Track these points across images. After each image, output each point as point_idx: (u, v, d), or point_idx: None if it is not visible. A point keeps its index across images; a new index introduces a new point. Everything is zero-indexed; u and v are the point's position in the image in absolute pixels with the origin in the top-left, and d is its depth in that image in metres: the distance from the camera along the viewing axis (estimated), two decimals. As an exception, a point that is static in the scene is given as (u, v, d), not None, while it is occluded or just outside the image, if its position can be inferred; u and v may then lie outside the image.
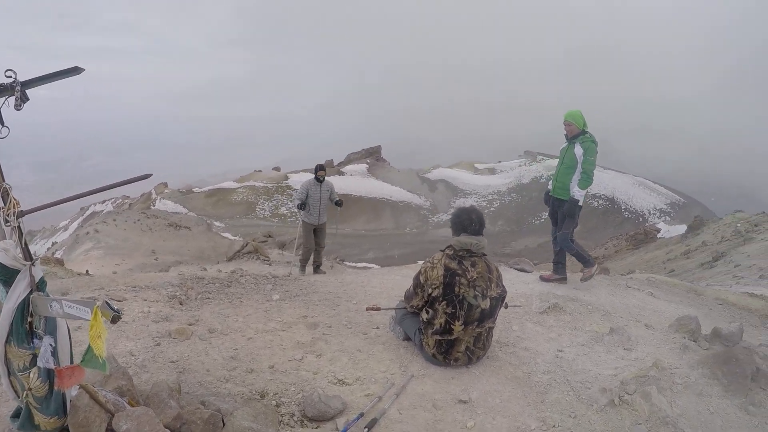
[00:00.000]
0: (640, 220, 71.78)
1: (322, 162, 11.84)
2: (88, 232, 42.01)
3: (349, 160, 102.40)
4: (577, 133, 8.05)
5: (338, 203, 11.73)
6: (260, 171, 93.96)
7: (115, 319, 2.65)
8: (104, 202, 75.91)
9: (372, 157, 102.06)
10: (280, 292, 7.67)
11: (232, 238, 51.89)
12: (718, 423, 4.39)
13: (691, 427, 4.24)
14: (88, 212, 71.07)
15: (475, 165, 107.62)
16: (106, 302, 2.67)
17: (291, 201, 13.42)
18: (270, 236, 20.54)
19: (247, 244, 15.75)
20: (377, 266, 12.72)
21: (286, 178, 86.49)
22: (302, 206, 11.29)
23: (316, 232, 11.70)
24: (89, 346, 2.75)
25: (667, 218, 69.58)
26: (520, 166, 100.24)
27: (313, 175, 11.47)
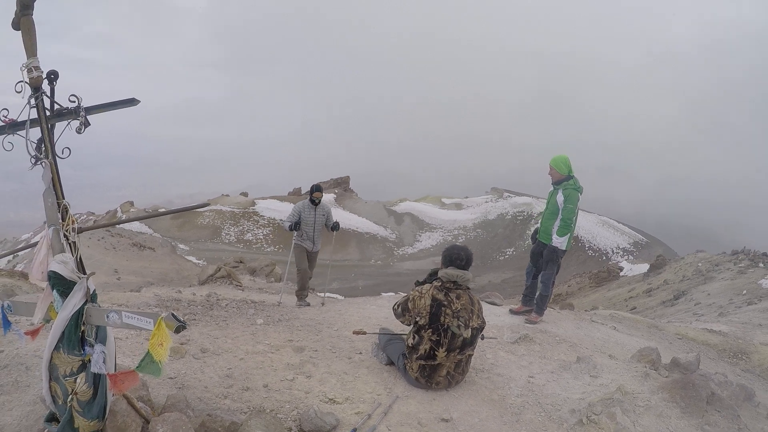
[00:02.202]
0: (603, 258, 72.78)
1: (317, 183, 10.52)
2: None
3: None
4: (560, 178, 8.17)
5: (335, 227, 10.47)
6: (227, 195, 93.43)
7: (179, 329, 2.94)
8: (107, 227, 74.70)
9: (340, 187, 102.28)
10: (262, 317, 7.94)
11: (197, 261, 51.60)
12: (677, 441, 4.83)
13: (653, 445, 4.67)
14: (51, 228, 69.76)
15: (442, 199, 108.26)
16: (172, 314, 2.96)
17: (280, 223, 12.39)
18: (241, 262, 20.61)
19: (220, 269, 15.78)
20: (341, 297, 12.84)
21: (253, 203, 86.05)
22: (296, 226, 10.02)
23: (309, 257, 10.56)
24: (147, 353, 3.03)
25: (630, 257, 70.63)
26: (486, 202, 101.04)
27: (308, 197, 10.27)
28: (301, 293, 10.55)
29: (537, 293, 8.68)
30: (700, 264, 31.48)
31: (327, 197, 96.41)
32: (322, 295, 10.65)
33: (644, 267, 44.56)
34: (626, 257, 70.74)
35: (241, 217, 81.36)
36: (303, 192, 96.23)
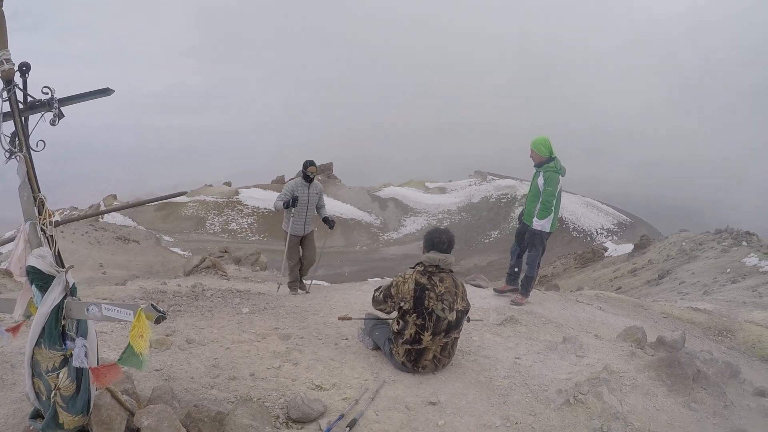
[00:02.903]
0: (588, 239, 73.07)
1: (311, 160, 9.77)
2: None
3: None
4: (541, 161, 8.17)
5: (330, 224, 10.01)
6: (211, 185, 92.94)
7: (160, 320, 2.92)
8: (85, 218, 73.77)
9: (323, 174, 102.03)
10: (248, 306, 7.92)
11: (182, 253, 51.32)
12: (664, 418, 4.87)
13: (640, 422, 4.71)
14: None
15: (426, 184, 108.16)
16: (152, 305, 2.95)
17: (273, 208, 11.70)
18: (226, 251, 20.56)
19: (204, 259, 15.72)
20: (327, 283, 12.75)
21: (237, 193, 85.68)
22: (293, 202, 9.36)
23: (302, 242, 10.14)
24: (128, 345, 3.01)
25: (615, 237, 70.94)
26: (470, 185, 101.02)
27: (301, 175, 9.74)
28: (294, 284, 10.35)
29: (522, 275, 8.70)
30: (684, 243, 31.69)
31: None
32: (308, 282, 10.48)
33: (629, 247, 44.79)
34: (611, 238, 71.11)
35: (225, 207, 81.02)
36: (287, 179, 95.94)
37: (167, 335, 6.01)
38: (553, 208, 8.09)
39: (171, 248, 55.95)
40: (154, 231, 65.28)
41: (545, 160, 8.15)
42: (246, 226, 77.26)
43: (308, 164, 9.59)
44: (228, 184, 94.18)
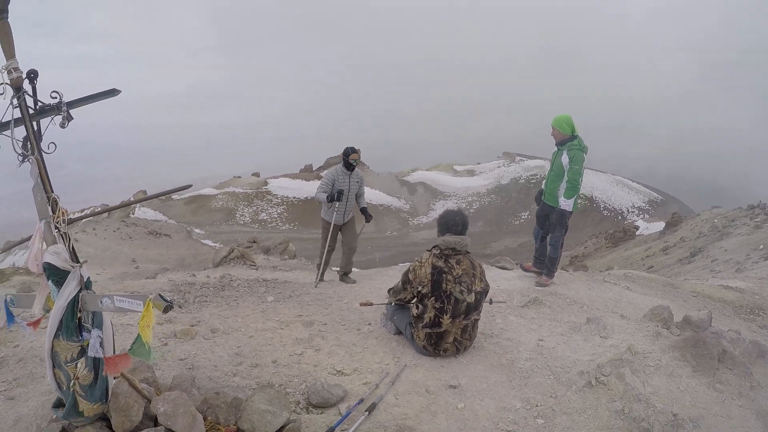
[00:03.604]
0: (619, 218, 72.47)
1: (353, 147, 9.38)
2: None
3: (329, 164, 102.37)
4: (564, 139, 8.02)
5: (368, 217, 9.63)
6: (239, 177, 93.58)
7: (168, 309, 3.01)
8: (82, 210, 75.26)
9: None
10: (273, 294, 8.01)
11: (213, 245, 51.81)
12: (688, 399, 4.81)
13: (663, 404, 4.65)
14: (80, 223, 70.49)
15: (454, 167, 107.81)
16: (159, 294, 3.03)
17: (316, 199, 11.20)
18: (255, 242, 20.70)
19: (233, 250, 15.84)
20: (357, 270, 12.75)
21: (266, 183, 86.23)
22: (338, 196, 8.99)
23: (342, 230, 9.66)
24: (138, 336, 3.12)
25: (646, 216, 70.26)
26: (498, 167, 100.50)
27: (342, 162, 9.35)
28: (322, 270, 9.70)
29: (546, 256, 8.62)
30: (716, 220, 31.20)
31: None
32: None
33: (660, 225, 44.28)
34: (642, 216, 70.41)
35: (254, 198, 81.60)
36: (315, 168, 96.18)
37: (192, 325, 6.11)
38: (579, 187, 7.94)
39: (202, 240, 56.56)
40: (184, 224, 66.04)
41: (568, 138, 8.01)
42: (276, 216, 77.79)
43: (350, 151, 9.22)
44: (256, 174, 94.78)
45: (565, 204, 8.03)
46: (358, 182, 9.47)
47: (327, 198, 8.99)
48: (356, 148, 9.28)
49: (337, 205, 9.17)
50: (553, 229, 8.38)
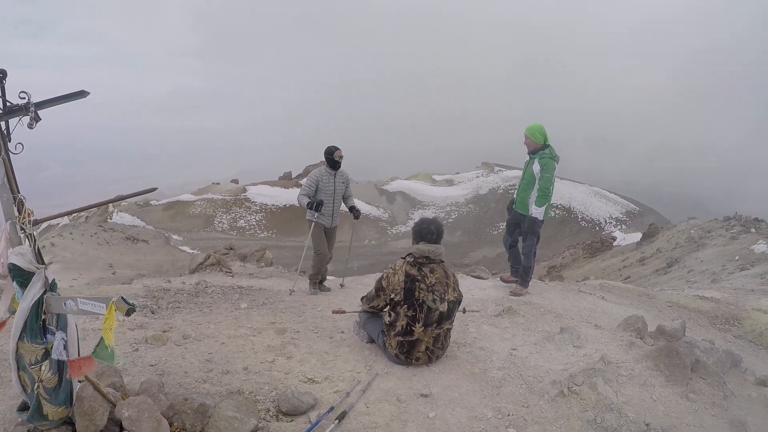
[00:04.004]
0: (597, 228, 72.86)
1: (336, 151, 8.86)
2: (44, 246, 41.24)
3: (308, 172, 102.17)
4: (536, 147, 8.11)
5: (356, 214, 9.25)
6: (218, 183, 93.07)
7: (130, 312, 3.01)
8: (63, 216, 74.25)
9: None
10: (247, 301, 7.95)
11: (191, 251, 51.49)
12: (661, 409, 4.85)
13: (635, 413, 4.69)
14: (43, 225, 69.75)
15: (433, 176, 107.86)
16: (122, 297, 3.01)
17: (298, 202, 9.09)
18: (231, 248, 20.58)
19: (209, 257, 15.73)
20: (333, 278, 12.57)
21: (245, 190, 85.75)
22: (317, 206, 8.59)
23: (326, 236, 9.20)
24: (101, 339, 3.12)
25: (623, 226, 70.71)
26: (477, 177, 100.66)
27: (325, 163, 8.92)
28: (315, 278, 9.26)
29: (520, 266, 8.63)
30: (692, 231, 31.46)
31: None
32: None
33: (637, 236, 44.60)
34: (619, 227, 70.87)
35: (233, 205, 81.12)
36: (294, 176, 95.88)
37: (164, 331, 6.05)
38: (550, 195, 8.03)
39: (180, 247, 56.13)
40: (162, 230, 65.48)
41: (540, 147, 8.10)
42: (254, 223, 77.38)
43: (333, 149, 8.82)
44: (235, 181, 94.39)
45: (536, 212, 8.08)
46: (344, 182, 9.12)
47: (307, 205, 8.71)
48: (337, 146, 8.90)
49: (322, 210, 8.78)
50: (525, 238, 8.40)
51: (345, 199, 9.29)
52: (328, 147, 8.86)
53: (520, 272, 8.61)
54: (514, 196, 8.72)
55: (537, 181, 8.03)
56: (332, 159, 8.79)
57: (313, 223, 8.95)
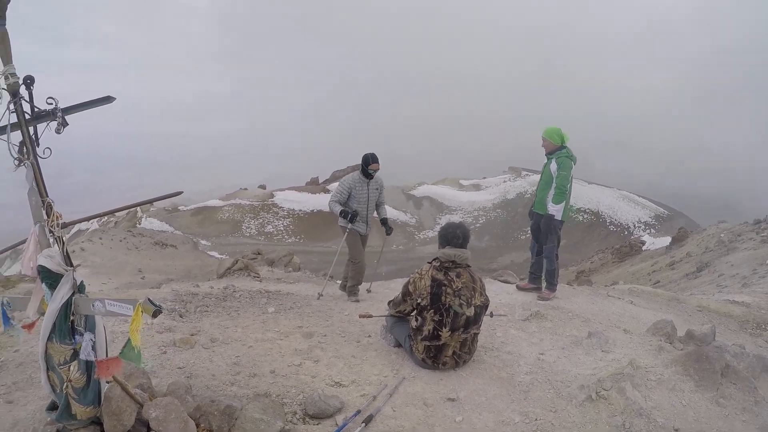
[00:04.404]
0: (625, 233, 72.20)
1: (370, 155, 8.52)
2: (74, 251, 41.77)
3: (335, 177, 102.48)
4: (553, 149, 8.20)
5: (388, 230, 9.08)
6: (246, 189, 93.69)
7: (156, 314, 3.06)
8: (90, 220, 75.15)
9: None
10: (274, 305, 7.98)
11: (219, 256, 51.87)
12: (691, 414, 4.77)
13: (665, 418, 4.62)
14: (73, 230, 70.87)
15: (460, 181, 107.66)
16: (149, 299, 3.05)
17: (330, 208, 8.73)
18: (259, 253, 20.71)
19: (237, 261, 15.83)
20: (365, 282, 12.46)
21: (272, 196, 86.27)
22: (351, 216, 8.46)
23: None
24: (128, 340, 3.21)
25: (652, 231, 70.01)
26: (504, 181, 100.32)
27: (360, 169, 8.66)
28: (356, 289, 9.05)
29: (543, 269, 8.65)
30: (722, 235, 31.01)
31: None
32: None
33: (666, 240, 44.12)
34: (648, 231, 70.13)
35: (260, 210, 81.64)
36: (321, 181, 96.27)
37: (192, 335, 6.10)
38: (567, 193, 8.10)
39: (208, 252, 56.59)
40: (191, 235, 66.09)
41: (557, 148, 8.19)
42: (282, 228, 77.80)
43: (370, 160, 8.50)
44: (263, 187, 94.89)
45: (553, 209, 8.14)
46: (377, 189, 8.88)
47: (341, 214, 8.54)
48: (376, 156, 8.59)
49: (366, 215, 8.72)
50: (545, 239, 8.42)
51: (378, 206, 9.10)
52: (365, 156, 8.57)
53: (546, 277, 8.62)
54: (533, 203, 8.74)
55: (554, 180, 8.11)
56: (367, 171, 8.55)
57: (347, 230, 8.74)
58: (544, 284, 8.70)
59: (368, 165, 8.49)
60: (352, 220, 8.48)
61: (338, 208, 8.58)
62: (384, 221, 9.12)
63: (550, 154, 8.28)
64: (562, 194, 8.04)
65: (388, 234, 9.08)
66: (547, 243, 8.36)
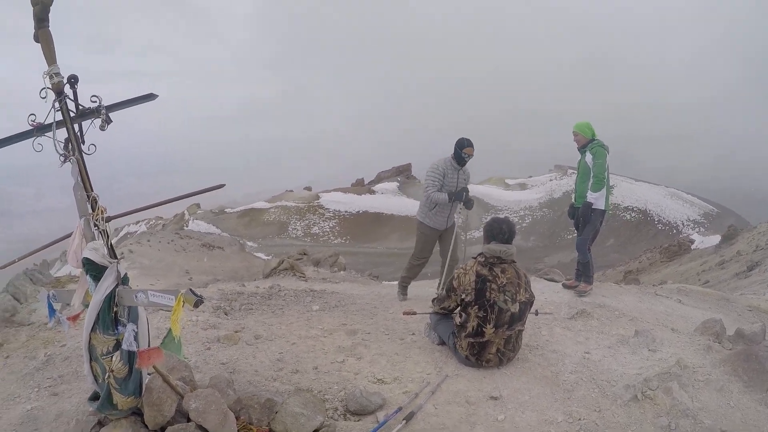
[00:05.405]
0: (674, 231, 71.03)
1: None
2: (122, 253, 42.59)
3: (380, 178, 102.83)
4: (585, 142, 8.19)
5: (468, 203, 8.20)
6: (291, 191, 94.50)
7: (198, 303, 3.12)
8: (138, 222, 77.03)
9: (402, 175, 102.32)
10: (319, 304, 8.02)
11: (265, 258, 52.42)
12: (738, 416, 4.64)
13: (712, 420, 4.50)
14: (122, 233, 72.46)
15: (506, 180, 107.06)
16: (190, 289, 3.12)
17: (426, 200, 8.13)
18: (305, 254, 20.86)
19: (283, 261, 15.97)
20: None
21: (318, 197, 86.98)
22: (465, 195, 7.96)
23: (441, 237, 8.42)
24: (169, 331, 3.30)
25: (701, 229, 68.73)
26: (550, 180, 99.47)
27: (453, 154, 7.96)
28: (407, 281, 8.64)
29: (577, 263, 8.61)
30: (773, 232, 30.35)
31: (390, 185, 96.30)
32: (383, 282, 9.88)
33: (716, 239, 43.24)
34: (697, 229, 68.85)
35: (306, 212, 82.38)
36: (366, 182, 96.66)
37: (236, 331, 6.17)
38: (605, 181, 8.06)
39: (255, 253, 57.23)
40: (237, 237, 66.94)
41: (588, 141, 8.19)
42: (328, 230, 78.37)
43: (465, 143, 7.83)
44: (308, 189, 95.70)
45: (592, 197, 8.05)
46: (465, 180, 8.20)
47: (450, 198, 7.84)
48: (471, 141, 7.91)
49: (439, 209, 8.03)
50: (580, 230, 8.34)
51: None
52: (460, 139, 7.89)
53: (579, 269, 8.55)
54: (572, 199, 8.69)
55: (591, 169, 8.06)
56: (461, 154, 7.87)
57: (424, 227, 8.25)
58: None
59: (463, 149, 7.83)
60: (466, 200, 7.99)
61: (443, 195, 7.82)
62: (463, 192, 8.07)
63: (582, 148, 8.27)
64: (600, 182, 7.98)
65: (468, 208, 8.31)
66: (582, 234, 8.28)
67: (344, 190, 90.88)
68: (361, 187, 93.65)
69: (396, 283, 9.63)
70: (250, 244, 67.10)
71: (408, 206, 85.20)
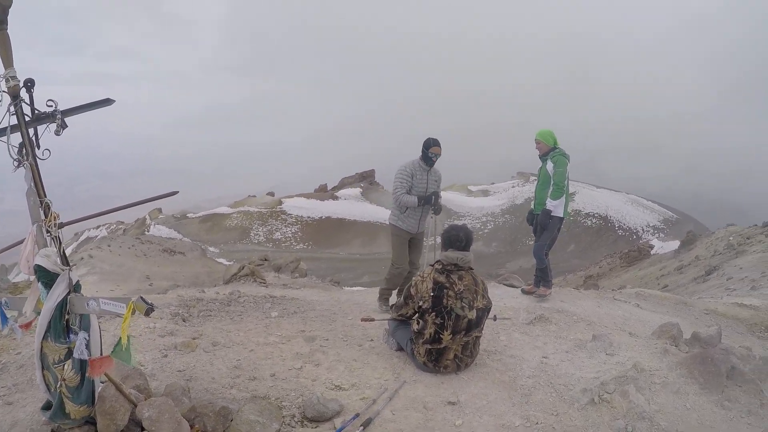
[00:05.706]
0: (634, 237, 72.04)
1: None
2: (82, 258, 42.01)
3: (343, 184, 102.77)
4: (547, 150, 8.36)
5: (437, 208, 7.94)
6: (254, 196, 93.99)
7: (149, 311, 3.12)
8: (98, 227, 75.95)
9: (366, 181, 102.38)
10: (278, 310, 7.96)
11: (227, 263, 51.99)
12: (694, 417, 4.73)
13: (668, 422, 4.59)
14: (82, 237, 71.35)
15: (469, 187, 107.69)
16: (141, 297, 3.09)
17: (395, 202, 7.86)
18: (266, 259, 20.73)
19: (243, 267, 15.83)
20: (363, 288, 12.41)
21: (280, 203, 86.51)
22: (435, 198, 7.70)
23: (410, 244, 8.09)
24: (119, 339, 3.27)
25: (661, 234, 69.83)
26: (513, 187, 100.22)
27: (420, 155, 7.72)
28: (387, 293, 8.24)
29: (535, 269, 8.81)
30: (731, 238, 30.87)
31: (353, 191, 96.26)
32: (344, 288, 10.04)
33: (675, 244, 43.99)
34: (657, 235, 69.96)
35: (268, 217, 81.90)
36: (329, 188, 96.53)
37: (193, 338, 6.08)
38: (564, 189, 8.21)
39: (216, 259, 56.76)
40: (199, 242, 66.32)
41: (550, 149, 8.35)
42: (290, 235, 77.98)
43: (432, 143, 7.57)
44: (271, 194, 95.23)
45: (551, 204, 8.22)
46: (436, 181, 7.92)
47: (420, 201, 7.62)
48: (438, 140, 7.65)
49: (409, 212, 7.78)
50: (538, 236, 8.54)
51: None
52: (427, 139, 7.67)
53: (537, 275, 8.76)
54: (531, 206, 8.89)
55: (551, 178, 8.21)
56: (427, 154, 7.64)
57: (397, 229, 7.95)
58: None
59: (429, 148, 7.60)
60: (435, 203, 7.74)
61: (412, 198, 7.60)
62: (434, 196, 7.80)
63: (544, 155, 8.43)
64: (560, 190, 8.13)
65: (436, 213, 8.07)
66: (540, 240, 8.49)
67: (307, 196, 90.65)
68: (324, 192, 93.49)
69: (358, 288, 9.67)
70: (211, 249, 66.54)
71: (371, 212, 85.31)
